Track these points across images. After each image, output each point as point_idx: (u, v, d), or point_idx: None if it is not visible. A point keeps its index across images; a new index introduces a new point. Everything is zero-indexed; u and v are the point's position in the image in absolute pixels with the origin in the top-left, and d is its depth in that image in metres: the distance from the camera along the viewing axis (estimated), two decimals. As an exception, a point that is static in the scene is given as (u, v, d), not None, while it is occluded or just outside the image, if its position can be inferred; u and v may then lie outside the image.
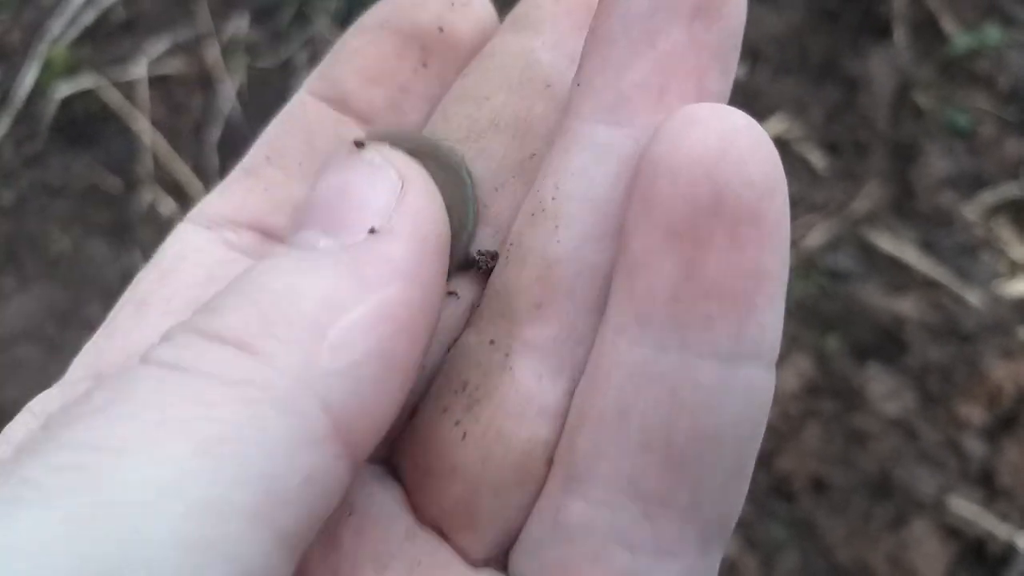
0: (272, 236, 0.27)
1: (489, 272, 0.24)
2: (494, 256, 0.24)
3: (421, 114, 0.27)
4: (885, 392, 0.81)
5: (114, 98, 0.99)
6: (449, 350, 0.24)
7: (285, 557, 0.17)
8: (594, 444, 0.21)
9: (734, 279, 0.19)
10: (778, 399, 0.81)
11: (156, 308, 0.25)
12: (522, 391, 0.22)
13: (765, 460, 0.79)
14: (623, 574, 0.20)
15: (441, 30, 0.27)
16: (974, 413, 0.80)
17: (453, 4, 0.27)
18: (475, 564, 0.22)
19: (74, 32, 1.03)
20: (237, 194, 0.27)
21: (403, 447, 0.24)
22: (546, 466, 0.22)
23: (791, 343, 0.84)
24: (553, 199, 0.22)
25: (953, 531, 0.76)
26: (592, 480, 0.21)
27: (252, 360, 0.18)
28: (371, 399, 0.19)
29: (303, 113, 0.27)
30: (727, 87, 0.22)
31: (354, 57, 0.27)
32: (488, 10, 0.27)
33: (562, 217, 0.22)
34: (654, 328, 0.20)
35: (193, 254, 0.26)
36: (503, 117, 0.25)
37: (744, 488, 0.21)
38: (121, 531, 0.15)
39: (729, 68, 0.22)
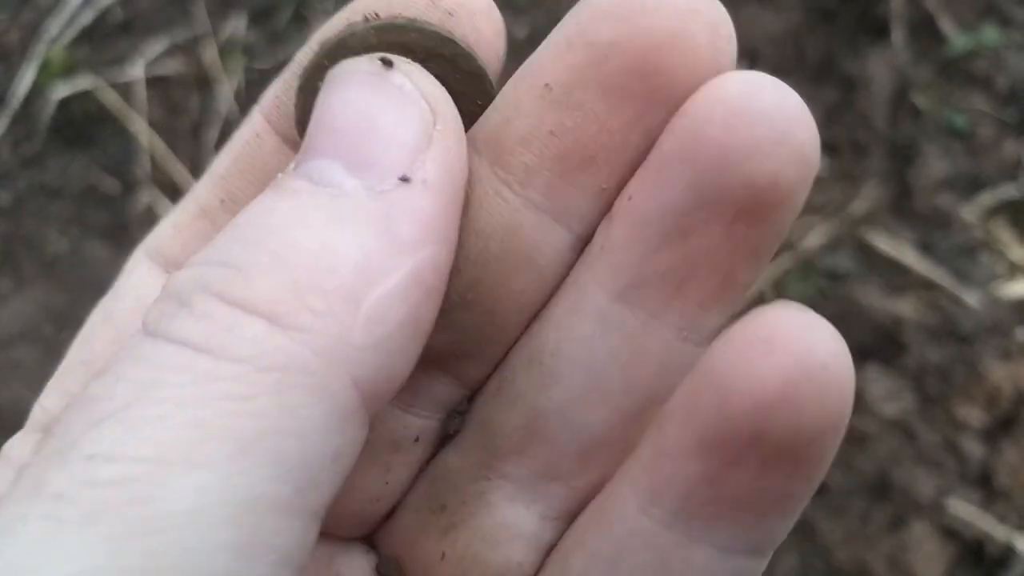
0: None
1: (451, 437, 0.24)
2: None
3: None
4: (884, 393, 0.81)
5: (112, 99, 0.99)
6: (429, 463, 0.24)
7: (314, 529, 0.17)
8: (585, 571, 0.21)
9: (753, 497, 0.19)
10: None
11: None
12: (498, 519, 0.23)
13: (763, 461, 0.79)
14: None
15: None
16: (972, 414, 0.80)
17: (451, 14, 0.22)
18: None
19: (72, 33, 1.03)
20: (193, 237, 0.25)
21: (384, 541, 0.25)
22: None
23: (789, 344, 0.84)
24: (552, 356, 0.22)
25: (952, 532, 0.76)
26: None
27: (285, 337, 0.17)
28: (396, 367, 0.18)
29: (259, 150, 0.24)
30: (756, 276, 0.21)
31: None
32: (494, 23, 0.23)
33: (557, 377, 0.22)
34: (663, 508, 0.20)
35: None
36: (476, 295, 0.23)
37: None
38: (170, 544, 0.15)
39: (766, 260, 0.21)
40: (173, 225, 0.25)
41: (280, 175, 0.20)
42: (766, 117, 0.19)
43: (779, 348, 0.17)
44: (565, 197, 0.21)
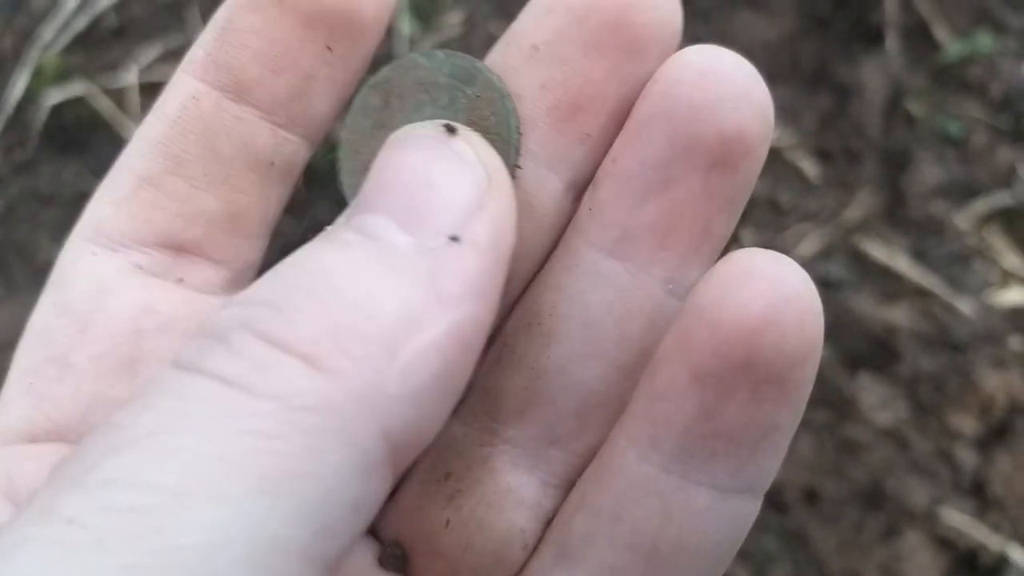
0: (186, 251, 0.25)
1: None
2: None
3: (328, 103, 0.26)
4: (877, 402, 0.81)
5: (105, 105, 0.99)
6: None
7: None
8: (587, 531, 0.22)
9: (746, 428, 0.21)
10: (770, 409, 0.81)
11: (86, 370, 0.24)
12: (502, 485, 0.24)
13: (757, 470, 0.79)
14: None
15: (347, 10, 0.25)
16: (966, 423, 0.80)
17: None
18: None
19: (65, 39, 1.03)
20: (140, 208, 0.25)
21: (386, 520, 0.25)
22: (522, 552, 0.24)
23: (783, 352, 0.83)
24: (550, 316, 0.24)
25: (945, 542, 0.75)
26: (580, 562, 0.22)
27: (320, 379, 0.17)
28: (427, 422, 0.19)
29: (198, 111, 0.25)
30: (732, 229, 0.23)
31: (249, 39, 0.24)
32: None
33: (555, 335, 0.24)
34: (662, 452, 0.21)
35: (108, 297, 0.24)
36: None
37: None
38: None
39: (738, 212, 0.23)
40: (111, 203, 0.25)
41: (330, 227, 0.20)
42: (728, 77, 0.22)
43: (757, 279, 0.20)
44: (556, 146, 0.24)
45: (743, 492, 0.21)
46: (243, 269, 0.27)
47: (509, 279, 0.23)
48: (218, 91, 0.25)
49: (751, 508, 0.22)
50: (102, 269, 0.25)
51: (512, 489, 0.24)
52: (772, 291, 0.20)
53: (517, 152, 0.24)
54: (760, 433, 0.21)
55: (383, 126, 0.25)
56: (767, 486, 0.22)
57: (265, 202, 0.26)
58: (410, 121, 0.24)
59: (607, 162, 0.23)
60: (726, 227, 0.23)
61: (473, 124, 0.24)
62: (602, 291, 0.23)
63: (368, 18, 0.25)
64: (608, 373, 0.23)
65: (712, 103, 0.21)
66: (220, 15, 0.25)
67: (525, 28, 0.24)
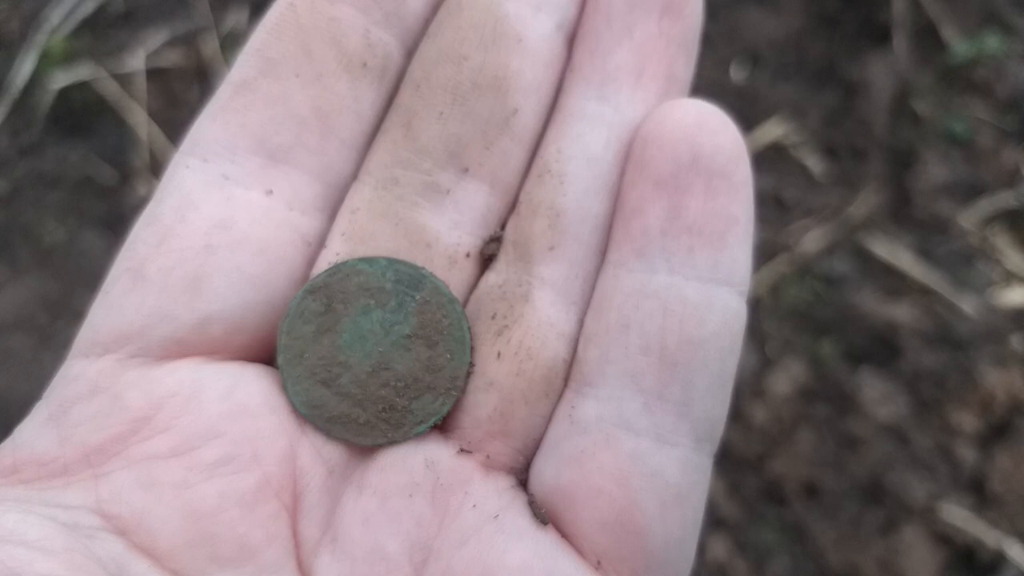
0: (278, 160, 0.26)
1: (491, 260, 0.27)
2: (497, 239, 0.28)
3: (423, 2, 0.27)
4: (878, 397, 0.81)
5: (111, 89, 0.99)
6: (469, 296, 0.27)
7: None
8: (601, 353, 0.25)
9: (710, 219, 0.24)
10: (771, 403, 0.81)
11: (154, 282, 0.25)
12: (543, 318, 0.26)
13: (757, 464, 0.79)
14: (630, 455, 0.24)
15: None
16: (966, 420, 0.80)
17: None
18: (496, 471, 0.26)
19: (72, 22, 1.03)
20: (234, 114, 0.26)
21: None
22: (564, 382, 0.26)
23: (785, 347, 0.84)
24: (557, 161, 0.27)
25: (943, 537, 0.76)
26: (600, 382, 0.25)
27: None
28: None
29: (294, 13, 0.26)
30: (691, 75, 0.27)
31: None
32: None
33: (566, 175, 0.26)
34: (647, 258, 0.25)
35: (190, 210, 0.25)
36: (484, 77, 0.27)
37: (726, 400, 0.25)
38: None
39: (692, 58, 0.27)
40: (208, 114, 0.26)
41: None
42: None
43: (684, 104, 0.25)
44: None
45: (725, 284, 0.25)
46: (336, 183, 0.27)
47: (519, 113, 0.27)
48: None
49: (737, 305, 0.25)
50: (191, 181, 0.26)
51: (552, 322, 0.26)
52: (698, 108, 0.25)
53: (472, 351, 0.26)
54: (723, 224, 0.24)
55: (328, 330, 0.26)
56: (745, 284, 0.25)
57: (357, 106, 0.27)
58: (358, 324, 0.26)
59: (578, 31, 0.27)
60: (685, 70, 0.27)
61: (426, 326, 0.26)
62: (597, 129, 0.26)
63: None
64: (613, 205, 0.27)
65: None
66: None
67: None
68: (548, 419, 0.26)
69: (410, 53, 0.28)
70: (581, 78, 0.27)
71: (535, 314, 0.26)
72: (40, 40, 1.01)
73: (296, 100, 0.26)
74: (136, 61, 1.00)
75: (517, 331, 0.26)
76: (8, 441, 0.24)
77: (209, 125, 0.26)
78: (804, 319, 0.86)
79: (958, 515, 0.76)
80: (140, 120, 0.98)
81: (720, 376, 0.25)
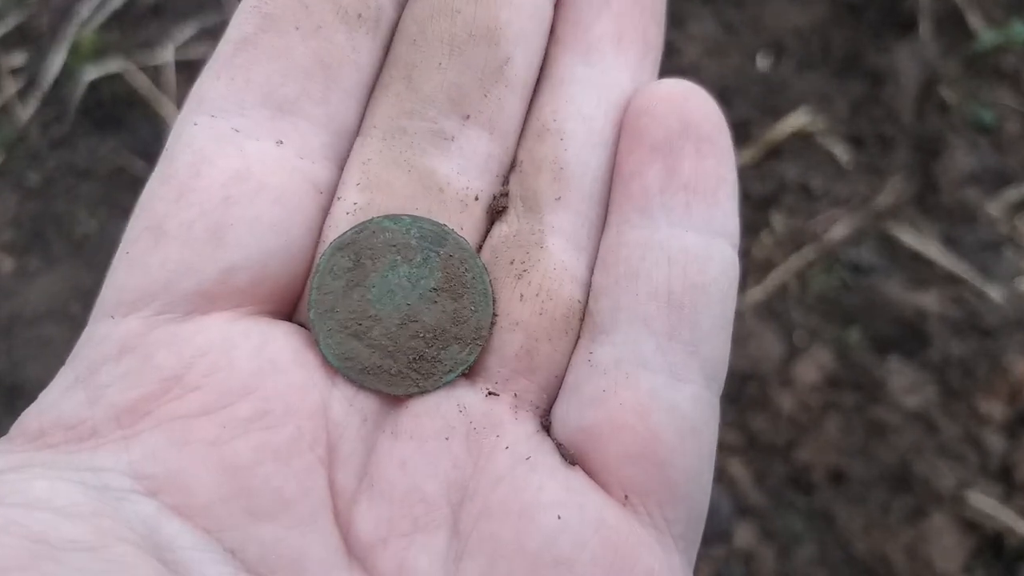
0: (285, 111, 0.27)
1: (501, 212, 0.29)
2: (504, 194, 0.29)
3: None
4: (906, 385, 0.81)
5: (141, 82, 1.00)
6: (482, 243, 0.29)
7: None
8: (613, 302, 0.27)
9: (702, 178, 0.27)
10: (798, 391, 0.81)
11: (175, 237, 0.25)
12: (558, 263, 0.28)
13: (784, 451, 0.79)
14: (649, 391, 0.26)
15: None
16: (994, 408, 0.80)
17: None
18: (524, 412, 0.27)
19: (102, 16, 1.04)
20: (238, 70, 0.27)
21: None
22: (580, 322, 0.28)
23: (812, 336, 0.84)
24: (554, 120, 0.29)
25: (971, 525, 0.76)
26: (614, 328, 0.27)
27: None
28: None
29: None
30: (661, 42, 0.30)
31: None
32: None
33: (565, 132, 0.28)
34: (649, 214, 0.27)
35: (204, 164, 0.26)
36: (477, 28, 0.28)
37: (727, 342, 0.27)
38: None
39: (661, 27, 0.30)
40: (211, 72, 0.27)
41: None
42: None
43: (669, 81, 0.28)
44: None
45: (719, 235, 0.27)
46: (341, 132, 0.28)
47: (511, 62, 0.28)
48: None
49: (732, 255, 0.27)
50: (202, 137, 0.26)
51: (567, 267, 0.28)
52: (682, 84, 0.28)
53: (494, 302, 0.28)
54: (714, 182, 0.27)
55: (357, 285, 0.27)
56: (736, 238, 0.27)
57: (356, 56, 0.28)
58: (386, 279, 0.27)
59: (559, 7, 0.29)
60: (657, 37, 0.30)
61: (451, 280, 0.27)
62: (587, 92, 0.29)
63: None
64: (611, 160, 0.29)
65: None
66: None
67: None
68: (568, 356, 0.28)
69: (400, 6, 0.29)
70: (567, 48, 0.29)
71: (550, 259, 0.28)
72: (70, 34, 1.03)
73: (298, 52, 0.27)
74: (166, 54, 1.01)
75: (536, 274, 0.27)
76: (33, 406, 0.24)
77: (213, 83, 0.27)
78: (831, 307, 0.86)
79: (986, 503, 0.76)
80: (170, 112, 0.99)
81: (722, 318, 0.27)
